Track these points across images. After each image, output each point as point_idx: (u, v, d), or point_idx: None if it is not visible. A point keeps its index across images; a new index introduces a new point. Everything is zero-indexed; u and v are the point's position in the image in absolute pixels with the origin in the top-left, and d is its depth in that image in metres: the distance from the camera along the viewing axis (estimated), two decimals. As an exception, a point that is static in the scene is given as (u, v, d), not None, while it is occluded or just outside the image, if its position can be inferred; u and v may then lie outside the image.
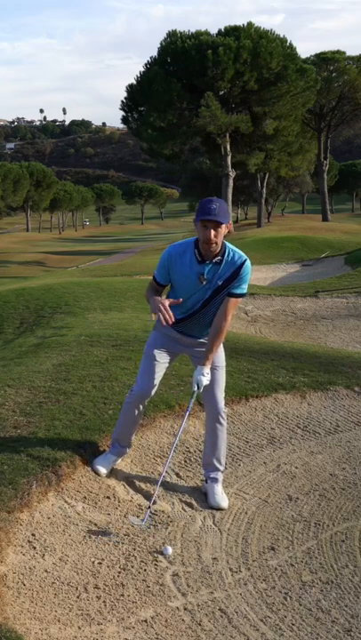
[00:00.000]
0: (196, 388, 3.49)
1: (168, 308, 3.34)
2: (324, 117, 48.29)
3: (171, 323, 3.35)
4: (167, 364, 3.68)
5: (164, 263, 3.46)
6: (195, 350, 3.63)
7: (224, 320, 3.45)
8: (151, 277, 3.60)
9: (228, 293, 3.42)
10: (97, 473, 3.72)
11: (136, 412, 3.69)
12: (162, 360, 3.63)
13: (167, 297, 3.60)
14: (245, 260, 3.40)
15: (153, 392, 3.65)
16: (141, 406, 3.69)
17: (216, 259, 3.36)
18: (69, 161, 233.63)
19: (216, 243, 3.29)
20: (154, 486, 3.68)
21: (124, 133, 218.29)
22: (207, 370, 3.50)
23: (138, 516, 3.41)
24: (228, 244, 3.38)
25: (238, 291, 3.43)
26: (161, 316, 3.33)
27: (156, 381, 3.63)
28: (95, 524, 3.32)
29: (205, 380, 3.48)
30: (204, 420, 3.96)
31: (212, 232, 3.25)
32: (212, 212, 3.22)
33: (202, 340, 3.61)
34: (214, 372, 3.59)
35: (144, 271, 16.21)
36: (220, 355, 3.64)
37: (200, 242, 3.34)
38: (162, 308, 3.33)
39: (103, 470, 3.74)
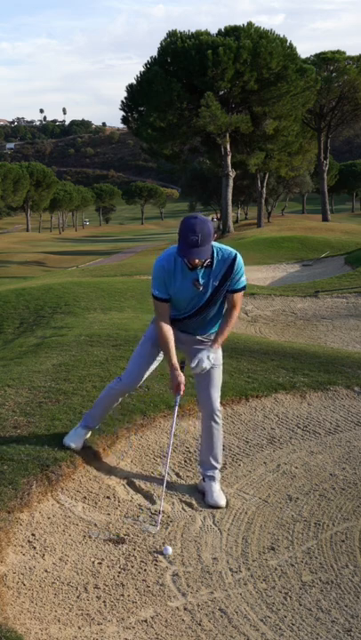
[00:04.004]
0: (194, 365, 3.48)
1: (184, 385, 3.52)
2: (324, 117, 48.27)
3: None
4: (160, 360, 3.71)
5: (161, 278, 3.42)
6: (192, 348, 3.64)
7: (234, 310, 3.53)
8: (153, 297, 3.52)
9: (231, 290, 3.46)
10: (69, 448, 3.77)
11: (120, 399, 3.81)
12: (156, 355, 3.66)
13: None
14: (236, 255, 3.43)
15: (139, 385, 3.73)
16: (126, 395, 3.81)
17: (206, 262, 3.36)
18: (69, 161, 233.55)
19: (202, 263, 3.34)
20: (153, 486, 3.69)
21: (124, 133, 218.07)
22: (213, 355, 3.51)
23: (152, 524, 3.38)
24: (213, 242, 3.36)
25: (239, 285, 3.47)
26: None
27: (146, 375, 3.69)
28: (95, 524, 3.32)
29: (207, 364, 3.48)
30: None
31: (197, 260, 3.30)
32: (195, 245, 3.18)
33: (200, 338, 3.62)
34: (211, 370, 3.60)
35: (144, 271, 16.21)
36: (218, 354, 3.65)
37: (186, 260, 3.35)
38: (180, 391, 3.50)
39: (74, 445, 3.78)
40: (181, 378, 3.49)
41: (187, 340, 3.64)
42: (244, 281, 3.48)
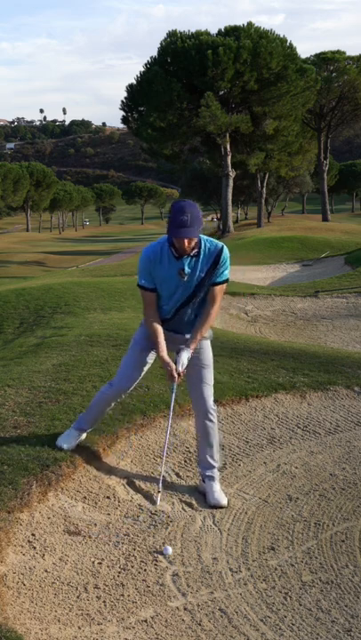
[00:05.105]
0: (181, 368, 3.48)
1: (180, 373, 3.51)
2: (324, 117, 48.28)
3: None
4: (151, 362, 3.70)
5: (147, 267, 3.44)
6: (179, 347, 3.62)
7: (213, 306, 3.50)
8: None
9: (213, 283, 3.46)
10: (60, 449, 3.75)
11: (112, 404, 3.78)
12: (147, 357, 3.65)
13: None
14: (222, 247, 3.44)
15: (132, 387, 3.70)
16: (118, 399, 3.77)
17: (193, 252, 3.38)
18: (69, 161, 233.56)
19: (192, 247, 3.34)
20: (153, 486, 3.69)
21: (124, 133, 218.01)
22: (188, 355, 3.50)
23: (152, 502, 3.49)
24: (200, 235, 3.38)
25: (221, 279, 3.47)
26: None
27: (138, 378, 3.67)
28: (95, 524, 3.32)
29: (186, 363, 3.49)
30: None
31: (186, 242, 3.29)
32: (184, 225, 3.20)
33: (188, 337, 3.60)
34: (202, 370, 3.61)
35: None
36: (207, 353, 3.66)
37: (176, 247, 3.35)
38: (174, 379, 3.48)
39: (66, 446, 3.76)
40: (173, 366, 3.49)
41: (175, 339, 3.61)
42: (227, 274, 3.49)
